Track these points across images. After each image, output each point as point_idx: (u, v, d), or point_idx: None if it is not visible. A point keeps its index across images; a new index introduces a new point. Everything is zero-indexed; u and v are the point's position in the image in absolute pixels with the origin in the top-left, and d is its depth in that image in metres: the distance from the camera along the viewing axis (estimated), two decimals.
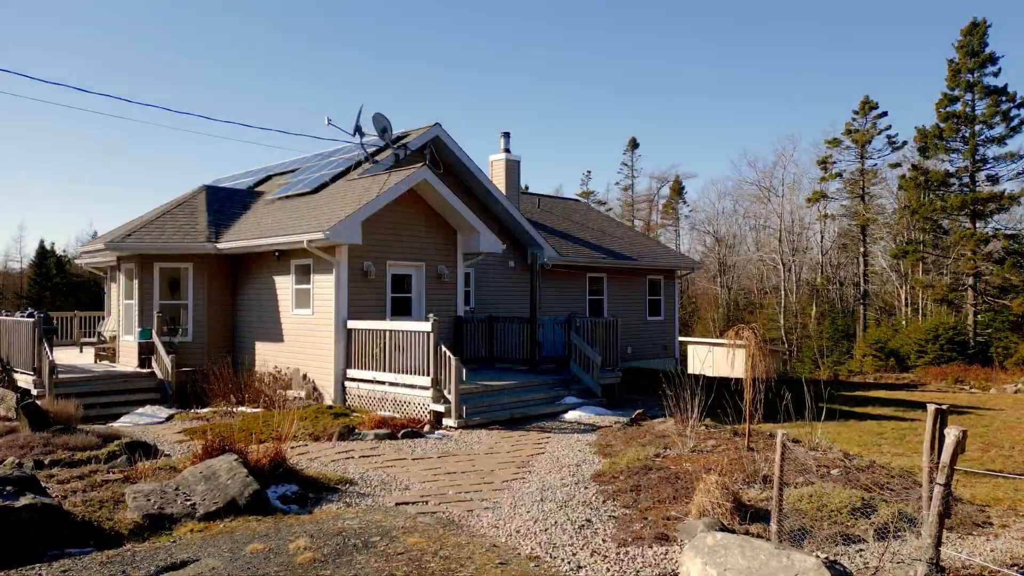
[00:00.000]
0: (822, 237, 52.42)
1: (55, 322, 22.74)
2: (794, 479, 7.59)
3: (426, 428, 11.69)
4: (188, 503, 6.35)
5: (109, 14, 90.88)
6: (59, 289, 45.70)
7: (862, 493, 6.71)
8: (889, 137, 44.92)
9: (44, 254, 48.44)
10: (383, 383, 13.25)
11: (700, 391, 10.26)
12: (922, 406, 18.65)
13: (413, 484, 7.97)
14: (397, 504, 7.09)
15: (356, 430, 11.15)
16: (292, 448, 10.23)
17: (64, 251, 51.45)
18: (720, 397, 11.48)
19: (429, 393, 12.31)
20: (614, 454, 9.64)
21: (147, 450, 9.76)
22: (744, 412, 9.36)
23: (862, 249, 46.08)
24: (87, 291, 43.71)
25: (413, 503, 7.15)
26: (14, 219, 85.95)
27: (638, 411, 12.86)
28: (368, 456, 9.56)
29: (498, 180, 20.61)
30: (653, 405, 15.43)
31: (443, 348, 12.25)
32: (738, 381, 9.68)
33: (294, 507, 6.81)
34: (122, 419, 14.05)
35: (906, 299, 45.77)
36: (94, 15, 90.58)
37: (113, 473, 7.86)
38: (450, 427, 11.94)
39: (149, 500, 6.33)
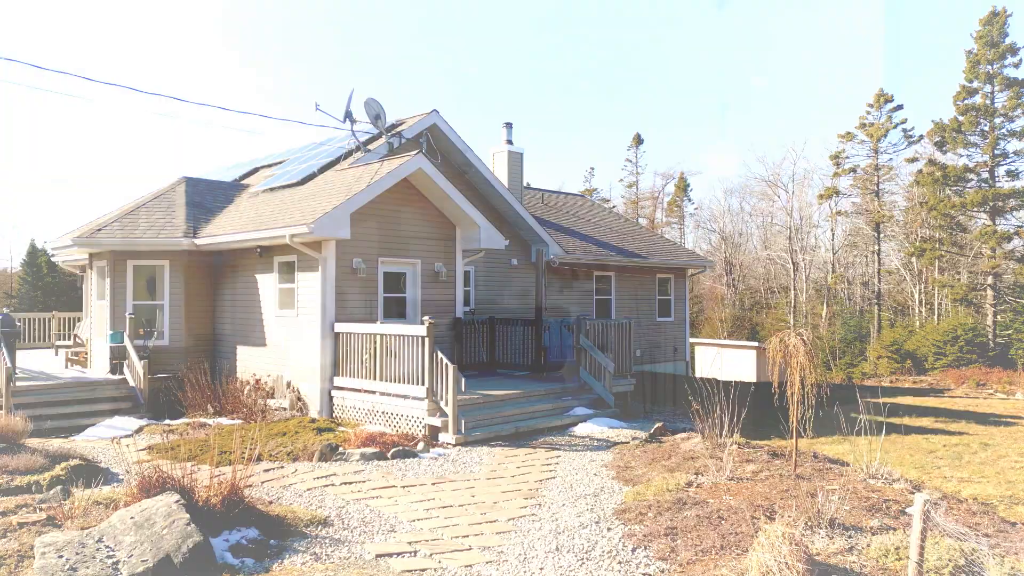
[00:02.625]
0: (833, 235, 50.95)
1: (21, 323, 21.39)
2: (865, 520, 6.24)
3: (420, 445, 10.35)
4: (110, 560, 5.00)
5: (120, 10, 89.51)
6: (51, 289, 44.31)
7: (959, 544, 5.37)
8: (905, 131, 43.40)
9: (35, 253, 47.07)
10: (373, 392, 11.91)
11: (733, 402, 8.97)
12: (963, 416, 17.27)
13: (401, 523, 6.62)
14: (378, 556, 5.72)
15: (340, 448, 9.81)
16: (265, 471, 8.92)
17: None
18: (748, 408, 10.17)
19: (424, 404, 10.99)
20: (637, 480, 8.30)
21: (96, 475, 8.45)
22: (791, 431, 8.00)
23: (875, 247, 44.66)
24: (80, 291, 42.39)
25: (399, 554, 5.79)
26: (6, 217, 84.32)
27: (657, 425, 11.53)
28: (351, 483, 8.22)
29: (500, 174, 19.25)
30: (671, 415, 14.12)
31: (439, 354, 10.93)
32: (782, 390, 8.32)
33: (249, 561, 5.45)
34: (86, 432, 12.70)
35: (920, 299, 44.35)
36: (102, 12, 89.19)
37: (40, 510, 6.52)
38: (447, 443, 10.61)
39: (61, 556, 4.99)
